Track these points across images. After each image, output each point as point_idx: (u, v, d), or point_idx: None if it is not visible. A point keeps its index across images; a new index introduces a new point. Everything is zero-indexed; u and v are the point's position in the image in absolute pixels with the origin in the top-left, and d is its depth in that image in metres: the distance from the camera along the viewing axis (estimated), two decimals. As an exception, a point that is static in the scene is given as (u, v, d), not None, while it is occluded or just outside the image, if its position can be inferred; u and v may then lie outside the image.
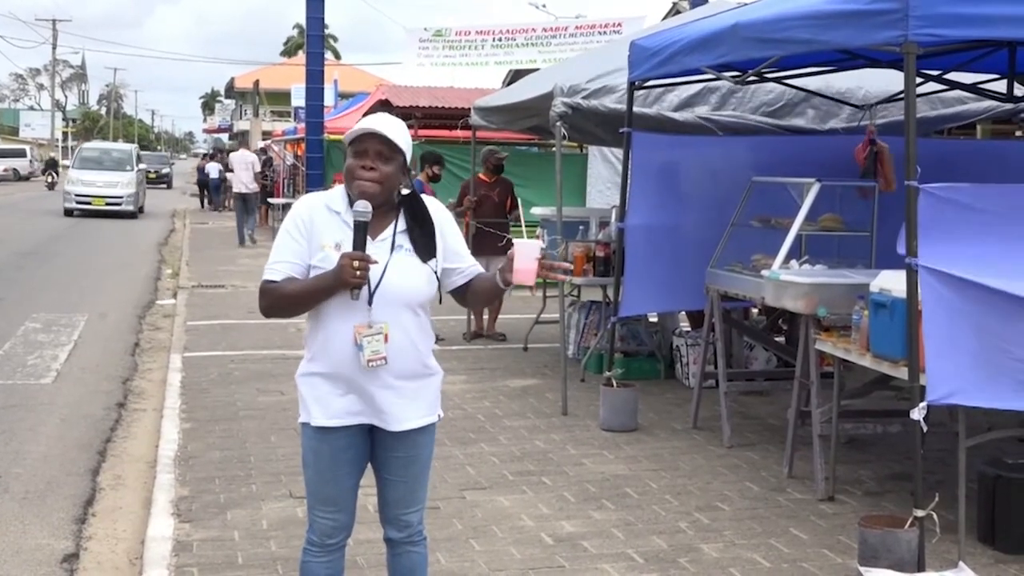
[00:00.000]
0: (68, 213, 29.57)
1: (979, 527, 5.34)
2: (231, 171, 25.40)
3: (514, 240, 3.49)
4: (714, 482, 6.38)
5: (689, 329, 9.70)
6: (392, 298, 3.44)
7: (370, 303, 3.43)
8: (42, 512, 5.95)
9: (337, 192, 3.58)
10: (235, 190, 23.48)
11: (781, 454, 6.69)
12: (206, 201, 36.31)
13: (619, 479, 6.40)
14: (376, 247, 3.45)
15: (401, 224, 3.53)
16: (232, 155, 27.09)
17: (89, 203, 29.61)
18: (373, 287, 3.42)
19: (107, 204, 29.75)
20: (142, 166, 34.28)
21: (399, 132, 3.48)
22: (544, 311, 10.86)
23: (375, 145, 3.44)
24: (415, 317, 3.52)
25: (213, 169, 34.72)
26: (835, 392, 6.04)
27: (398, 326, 3.45)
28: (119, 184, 30.26)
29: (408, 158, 3.52)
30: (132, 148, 35.19)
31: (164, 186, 51.94)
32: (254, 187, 23.23)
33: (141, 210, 31.71)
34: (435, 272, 3.54)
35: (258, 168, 24.06)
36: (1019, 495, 5.22)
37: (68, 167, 33.24)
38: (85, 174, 30.55)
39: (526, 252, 3.45)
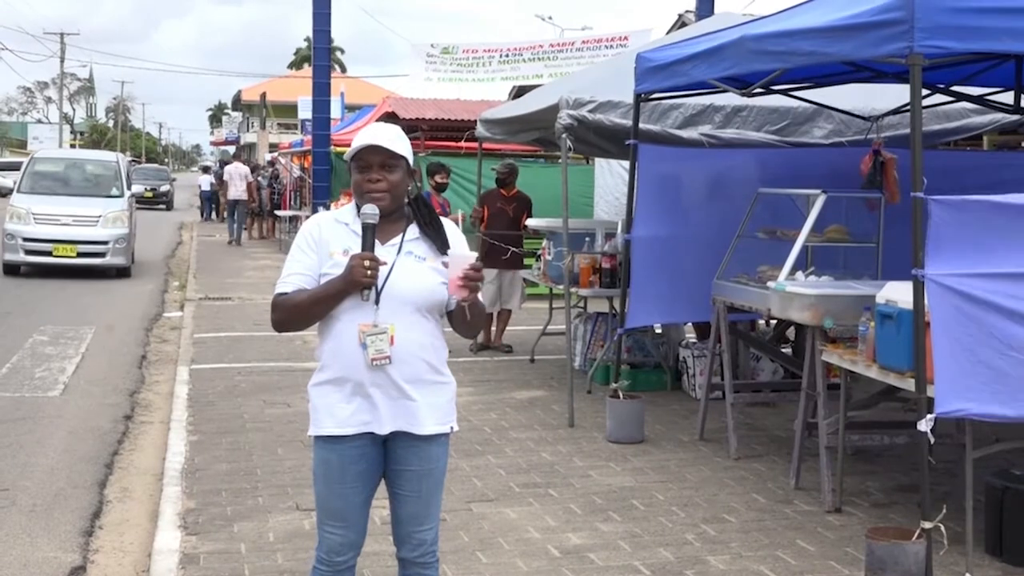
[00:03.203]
0: (11, 270, 17.51)
1: (986, 539, 5.33)
2: (223, 181, 28.71)
3: (449, 252, 3.50)
4: (720, 494, 6.37)
5: (695, 341, 9.70)
6: (399, 299, 3.46)
7: (377, 302, 3.45)
8: (49, 525, 5.96)
9: (346, 208, 3.64)
10: (230, 197, 26.95)
11: (788, 466, 6.69)
12: (204, 213, 36.51)
13: (625, 491, 6.40)
14: (385, 251, 3.49)
15: (411, 233, 3.57)
16: (227, 167, 29.50)
17: (48, 252, 17.33)
18: (380, 287, 3.45)
19: (79, 255, 17.46)
20: (135, 188, 20.64)
21: (397, 139, 3.54)
22: (551, 323, 10.88)
23: (377, 157, 3.50)
24: (423, 320, 3.52)
25: (204, 181, 35.95)
26: (842, 404, 6.04)
27: (405, 328, 3.46)
28: (99, 220, 17.67)
29: (411, 161, 3.58)
30: (118, 158, 20.79)
31: (163, 207, 42.02)
32: (245, 196, 26.85)
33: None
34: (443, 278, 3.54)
35: (250, 179, 27.33)
36: (1027, 507, 5.21)
37: (11, 192, 19.82)
38: (41, 203, 17.84)
39: (455, 264, 3.44)
